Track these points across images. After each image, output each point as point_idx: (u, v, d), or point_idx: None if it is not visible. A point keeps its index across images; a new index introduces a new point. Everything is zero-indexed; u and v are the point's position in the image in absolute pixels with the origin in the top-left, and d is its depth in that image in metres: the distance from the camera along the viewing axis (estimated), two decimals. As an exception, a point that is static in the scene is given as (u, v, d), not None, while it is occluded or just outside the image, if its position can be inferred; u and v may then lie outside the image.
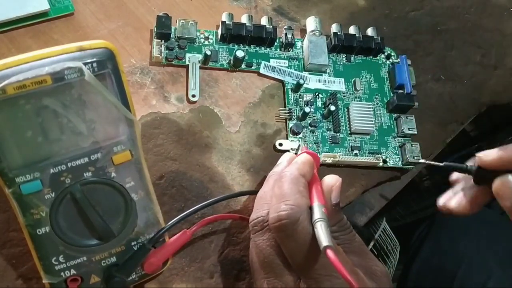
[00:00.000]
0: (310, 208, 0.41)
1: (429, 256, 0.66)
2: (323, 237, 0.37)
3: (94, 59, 0.36)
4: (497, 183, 0.41)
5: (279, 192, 0.41)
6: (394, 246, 0.52)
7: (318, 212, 0.40)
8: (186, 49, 0.58)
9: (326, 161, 0.56)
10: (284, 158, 0.49)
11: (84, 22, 0.57)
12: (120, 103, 0.38)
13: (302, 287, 0.39)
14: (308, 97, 0.60)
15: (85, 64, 0.35)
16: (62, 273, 0.41)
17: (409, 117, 0.61)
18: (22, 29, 0.55)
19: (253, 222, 0.43)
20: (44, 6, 0.54)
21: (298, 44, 0.63)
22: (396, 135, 0.61)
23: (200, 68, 0.58)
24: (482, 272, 0.61)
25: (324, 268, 0.38)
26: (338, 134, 0.59)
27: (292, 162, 0.45)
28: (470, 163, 0.44)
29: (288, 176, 0.42)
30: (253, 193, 0.54)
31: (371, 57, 0.65)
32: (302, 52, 0.63)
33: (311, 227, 0.39)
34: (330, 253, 0.36)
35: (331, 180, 0.44)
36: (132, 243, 0.44)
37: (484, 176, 0.43)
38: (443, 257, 0.64)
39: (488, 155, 0.41)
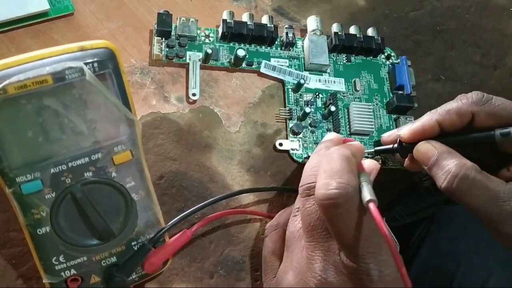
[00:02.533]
0: None
1: (428, 256, 0.66)
2: (368, 193, 0.38)
3: (95, 59, 0.36)
4: (414, 153, 0.49)
5: (330, 168, 0.39)
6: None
7: (364, 176, 0.40)
8: (186, 47, 0.58)
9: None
10: (331, 135, 0.48)
11: (84, 22, 0.57)
12: (121, 103, 0.38)
13: (342, 258, 0.39)
14: (308, 97, 0.60)
15: (86, 64, 0.35)
16: (62, 273, 0.41)
17: (408, 118, 0.61)
18: (22, 29, 0.55)
19: (305, 186, 0.42)
20: (44, 6, 0.54)
21: (299, 43, 0.63)
22: (396, 135, 0.61)
23: (201, 67, 0.58)
24: (482, 272, 0.61)
25: (371, 246, 0.38)
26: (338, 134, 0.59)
27: (345, 144, 0.44)
28: (395, 144, 0.53)
29: (340, 153, 0.41)
30: (252, 191, 0.54)
31: (371, 57, 0.65)
32: (303, 51, 0.63)
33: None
34: (372, 206, 0.37)
35: (371, 164, 0.45)
36: (133, 243, 0.44)
37: (406, 150, 0.52)
38: (443, 257, 0.64)
39: (404, 133, 0.50)
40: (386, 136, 0.55)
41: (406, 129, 0.50)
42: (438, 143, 0.47)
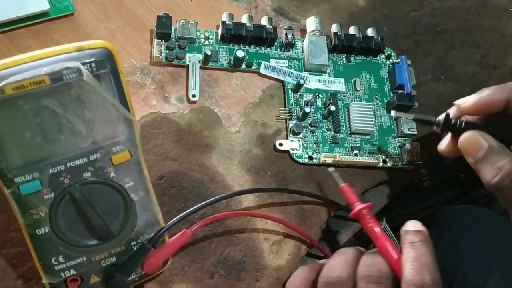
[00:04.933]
0: None
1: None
2: None
3: (93, 59, 0.36)
4: (460, 142, 0.46)
5: None
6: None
7: None
8: (186, 49, 0.58)
9: (326, 161, 0.56)
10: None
11: (84, 22, 0.57)
12: (118, 103, 0.38)
13: None
14: (308, 97, 0.60)
15: (83, 64, 0.35)
16: (62, 273, 0.41)
17: (408, 117, 0.61)
18: (23, 29, 0.55)
19: None
20: (44, 6, 0.55)
21: (298, 44, 0.63)
22: (396, 135, 0.61)
23: (200, 68, 0.58)
24: (482, 272, 0.61)
25: None
26: (338, 134, 0.59)
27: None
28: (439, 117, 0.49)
29: None
30: (252, 191, 0.54)
31: (371, 57, 0.65)
32: (302, 52, 0.63)
33: None
34: None
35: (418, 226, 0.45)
36: (132, 243, 0.44)
37: (449, 127, 0.48)
38: (443, 257, 0.64)
39: (466, 102, 0.48)
40: (461, 101, 0.51)
41: (472, 99, 0.48)
42: (489, 136, 0.45)
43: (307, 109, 0.57)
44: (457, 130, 0.48)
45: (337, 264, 0.44)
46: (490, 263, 0.61)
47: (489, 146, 0.44)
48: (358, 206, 0.47)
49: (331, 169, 0.52)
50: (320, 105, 0.60)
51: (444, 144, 0.51)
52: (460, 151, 0.47)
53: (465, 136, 0.46)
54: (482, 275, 0.60)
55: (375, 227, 0.45)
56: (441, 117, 0.50)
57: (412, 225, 0.44)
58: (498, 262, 0.60)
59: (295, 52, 0.62)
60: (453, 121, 0.49)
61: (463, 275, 0.61)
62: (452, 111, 0.50)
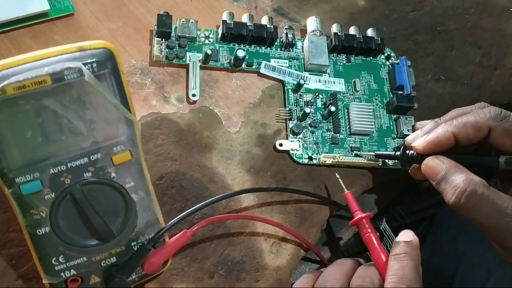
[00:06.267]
0: None
1: (428, 256, 0.65)
2: None
3: (94, 60, 0.36)
4: (422, 168, 0.48)
5: None
6: (394, 246, 0.52)
7: None
8: (186, 48, 0.58)
9: (326, 162, 0.56)
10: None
11: (84, 23, 0.57)
12: (119, 103, 0.38)
13: None
14: (308, 97, 0.60)
15: (84, 64, 0.35)
16: (62, 274, 0.41)
17: (408, 118, 0.61)
18: (22, 29, 0.55)
19: None
20: (44, 6, 0.54)
21: (299, 44, 0.63)
22: (395, 136, 0.61)
23: (201, 67, 0.58)
24: (482, 272, 0.61)
25: None
26: (338, 134, 0.59)
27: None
28: (397, 152, 0.53)
29: None
30: (252, 191, 0.54)
31: (371, 57, 0.65)
32: (303, 52, 0.63)
33: None
34: None
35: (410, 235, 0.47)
36: (132, 244, 0.44)
37: (408, 161, 0.52)
38: (443, 257, 0.64)
39: (419, 144, 0.49)
40: (411, 139, 0.52)
41: (421, 140, 0.49)
42: (446, 158, 0.47)
43: (307, 109, 0.57)
44: (415, 161, 0.51)
45: (331, 274, 0.46)
46: (490, 263, 0.61)
47: (446, 167, 0.46)
48: (359, 215, 0.50)
49: (337, 175, 0.55)
50: (320, 106, 0.60)
51: (411, 171, 0.53)
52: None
53: (426, 162, 0.48)
54: (482, 274, 0.60)
55: (372, 237, 0.48)
56: (399, 152, 0.53)
57: (404, 236, 0.46)
58: (498, 262, 0.60)
59: (295, 52, 0.62)
60: (409, 154, 0.52)
61: (463, 275, 0.61)
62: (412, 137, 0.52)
